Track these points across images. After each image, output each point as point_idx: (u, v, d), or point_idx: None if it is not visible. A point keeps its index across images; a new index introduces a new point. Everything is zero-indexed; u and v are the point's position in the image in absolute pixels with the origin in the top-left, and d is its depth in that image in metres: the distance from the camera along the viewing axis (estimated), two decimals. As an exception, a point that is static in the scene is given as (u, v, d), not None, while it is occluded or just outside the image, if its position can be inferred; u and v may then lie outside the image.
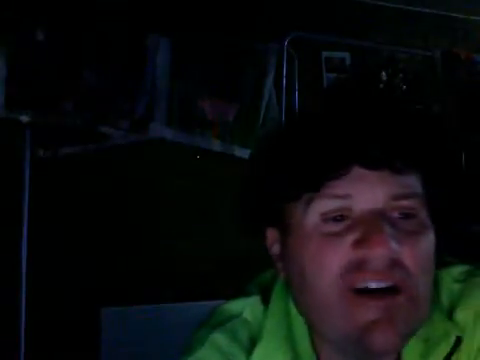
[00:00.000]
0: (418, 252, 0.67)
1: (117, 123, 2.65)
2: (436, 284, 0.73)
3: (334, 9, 3.11)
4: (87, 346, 2.51)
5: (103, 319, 2.50)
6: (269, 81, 2.90)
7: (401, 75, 3.05)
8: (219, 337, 0.73)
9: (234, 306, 0.78)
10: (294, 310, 0.75)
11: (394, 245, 0.65)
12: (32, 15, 2.51)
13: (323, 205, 0.68)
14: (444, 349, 0.71)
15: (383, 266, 0.65)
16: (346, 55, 3.15)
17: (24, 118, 2.47)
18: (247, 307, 0.77)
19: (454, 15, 3.38)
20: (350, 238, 0.66)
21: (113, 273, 2.63)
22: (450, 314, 0.74)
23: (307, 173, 0.67)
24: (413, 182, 0.69)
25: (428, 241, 0.69)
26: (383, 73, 3.02)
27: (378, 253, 0.64)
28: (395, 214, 0.67)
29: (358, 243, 0.66)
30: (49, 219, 2.56)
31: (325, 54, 3.12)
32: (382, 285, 0.65)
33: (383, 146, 0.66)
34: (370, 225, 0.65)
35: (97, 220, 2.65)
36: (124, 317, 2.53)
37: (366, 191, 0.67)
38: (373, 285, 0.65)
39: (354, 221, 0.67)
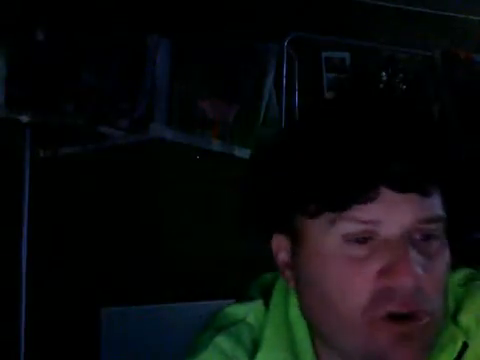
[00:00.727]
0: (438, 276, 0.67)
1: (117, 123, 2.65)
2: None
3: (334, 9, 3.11)
4: (87, 346, 2.51)
5: (103, 319, 2.50)
6: (269, 81, 2.90)
7: (401, 75, 3.05)
8: (223, 340, 0.73)
9: (238, 310, 0.77)
10: (294, 314, 0.75)
11: (419, 271, 0.64)
12: (32, 15, 2.51)
13: (347, 227, 0.65)
14: (450, 354, 0.72)
15: (408, 294, 0.65)
16: (346, 55, 3.15)
17: (24, 118, 2.47)
18: (251, 311, 0.76)
19: (454, 15, 3.37)
20: (376, 266, 0.65)
21: (113, 273, 2.63)
22: (454, 318, 0.75)
23: (332, 193, 0.64)
24: (437, 204, 0.68)
25: (445, 261, 0.69)
26: (383, 73, 3.02)
27: (405, 283, 0.64)
28: (417, 236, 0.66)
29: (384, 272, 0.65)
30: (49, 219, 2.56)
31: (325, 54, 3.12)
32: (404, 311, 0.65)
33: (413, 168, 0.64)
34: (396, 251, 0.65)
35: (97, 220, 2.65)
36: (124, 317, 2.53)
37: (394, 215, 0.65)
38: (395, 311, 0.65)
39: (379, 245, 0.66)
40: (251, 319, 0.76)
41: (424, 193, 0.65)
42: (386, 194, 0.64)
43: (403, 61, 3.11)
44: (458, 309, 0.75)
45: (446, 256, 0.69)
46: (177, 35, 2.76)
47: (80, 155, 2.60)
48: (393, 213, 0.65)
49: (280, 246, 0.74)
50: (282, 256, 0.74)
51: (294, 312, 0.75)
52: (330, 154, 0.65)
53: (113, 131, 2.63)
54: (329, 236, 0.66)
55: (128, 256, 2.67)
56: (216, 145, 2.80)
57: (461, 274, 0.79)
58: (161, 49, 2.74)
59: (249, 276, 0.86)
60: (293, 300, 0.75)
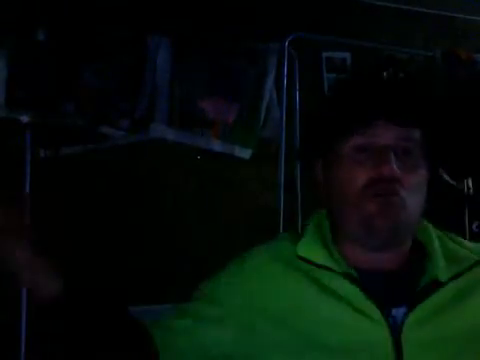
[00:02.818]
0: (411, 177, 1.05)
1: (117, 123, 2.66)
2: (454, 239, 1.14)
3: (334, 9, 3.12)
4: (87, 346, 2.51)
5: (103, 319, 2.49)
6: (269, 81, 2.90)
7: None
8: (268, 243, 1.19)
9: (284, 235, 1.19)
10: (325, 223, 1.14)
11: (397, 170, 1.03)
12: (32, 15, 2.51)
13: (356, 140, 1.06)
14: (465, 264, 1.07)
15: (388, 180, 1.02)
16: (346, 55, 3.15)
17: (25, 118, 2.47)
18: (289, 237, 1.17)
19: (454, 15, 3.38)
20: (370, 164, 1.04)
21: (113, 273, 2.63)
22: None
23: (354, 123, 1.06)
24: (415, 133, 1.07)
25: (419, 172, 1.07)
26: (383, 73, 3.02)
27: (386, 172, 1.02)
28: (399, 150, 1.05)
29: (375, 167, 1.04)
30: (49, 219, 2.56)
31: (326, 54, 3.12)
32: (385, 177, 1.03)
33: (400, 110, 1.05)
34: (383, 156, 1.03)
35: (97, 220, 2.65)
36: (124, 317, 2.52)
37: (384, 133, 1.05)
38: (379, 185, 1.03)
39: (374, 152, 1.05)
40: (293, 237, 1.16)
41: (405, 125, 1.05)
42: (383, 123, 1.05)
43: (403, 61, 3.11)
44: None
45: (422, 172, 1.07)
46: (177, 35, 2.76)
47: (80, 155, 2.60)
48: (384, 132, 1.05)
49: (318, 169, 1.15)
50: (319, 176, 1.15)
51: (325, 222, 1.14)
52: (354, 103, 1.07)
53: (113, 131, 2.64)
54: (345, 148, 1.07)
55: (128, 256, 2.67)
56: (216, 145, 2.81)
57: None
58: (161, 49, 2.74)
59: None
60: (324, 221, 1.15)
